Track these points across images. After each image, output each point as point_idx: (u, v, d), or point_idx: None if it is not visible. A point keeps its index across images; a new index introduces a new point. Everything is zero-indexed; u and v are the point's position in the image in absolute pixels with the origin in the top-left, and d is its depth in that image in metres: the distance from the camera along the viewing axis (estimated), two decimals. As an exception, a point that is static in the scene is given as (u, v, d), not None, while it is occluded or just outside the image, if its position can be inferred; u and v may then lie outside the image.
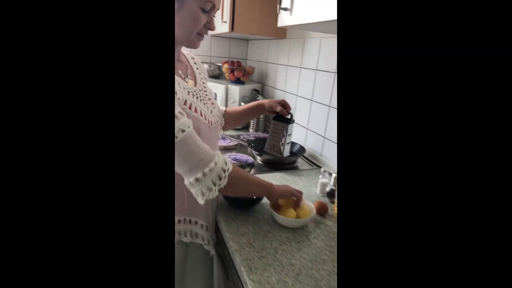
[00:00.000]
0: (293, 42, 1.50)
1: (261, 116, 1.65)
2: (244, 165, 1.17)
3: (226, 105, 1.66)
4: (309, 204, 0.83)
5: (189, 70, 0.78)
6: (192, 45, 0.69)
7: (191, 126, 0.60)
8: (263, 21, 1.44)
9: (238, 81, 1.74)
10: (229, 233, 0.74)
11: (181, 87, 0.68)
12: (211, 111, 0.77)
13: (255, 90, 1.70)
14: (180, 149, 0.58)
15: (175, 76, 0.68)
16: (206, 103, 0.76)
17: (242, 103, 1.63)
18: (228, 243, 0.72)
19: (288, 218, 0.76)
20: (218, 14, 1.62)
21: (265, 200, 0.91)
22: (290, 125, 0.95)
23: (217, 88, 1.64)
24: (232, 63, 1.74)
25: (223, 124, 0.96)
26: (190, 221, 0.75)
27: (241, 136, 1.53)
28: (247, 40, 2.08)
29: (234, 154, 1.25)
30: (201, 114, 0.70)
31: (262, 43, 1.86)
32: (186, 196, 0.73)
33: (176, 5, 0.62)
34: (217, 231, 0.85)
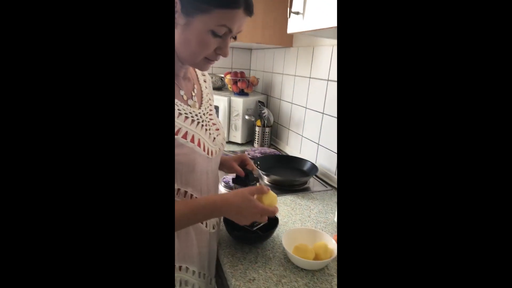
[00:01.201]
0: (301, 51, 1.39)
1: (267, 129, 1.53)
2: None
3: (229, 119, 1.55)
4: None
5: (195, 90, 0.67)
6: (199, 67, 0.58)
7: None
8: (267, 29, 1.34)
9: (241, 93, 1.63)
10: (236, 280, 0.61)
11: (176, 112, 0.57)
12: (214, 138, 0.66)
13: (259, 102, 1.59)
14: None
15: (175, 99, 0.58)
16: (209, 129, 0.65)
17: (246, 116, 1.51)
18: (235, 294, 0.59)
19: (306, 259, 0.63)
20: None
21: (276, 234, 0.78)
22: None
23: (219, 100, 1.53)
24: (235, 73, 1.63)
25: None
26: (180, 268, 0.63)
27: (246, 152, 1.41)
28: (251, 49, 1.99)
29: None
30: (199, 144, 0.60)
31: (267, 52, 1.75)
32: (177, 240, 0.61)
33: (182, 21, 0.51)
34: (221, 275, 0.72)
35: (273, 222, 0.75)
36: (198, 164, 0.60)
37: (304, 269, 0.65)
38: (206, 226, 0.67)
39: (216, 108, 1.55)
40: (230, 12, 0.50)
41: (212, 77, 1.74)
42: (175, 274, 0.63)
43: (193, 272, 0.65)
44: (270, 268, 0.65)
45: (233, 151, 1.42)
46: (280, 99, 1.61)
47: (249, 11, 0.53)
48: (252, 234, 0.72)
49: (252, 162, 0.79)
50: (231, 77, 1.62)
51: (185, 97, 0.62)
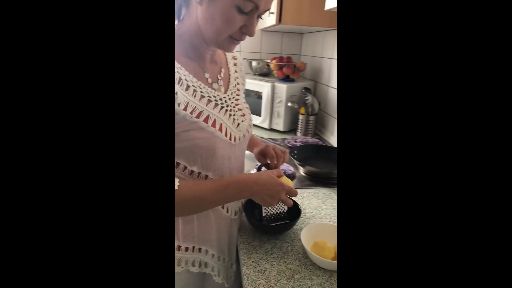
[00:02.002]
0: (351, 32, 1.26)
1: (311, 117, 1.46)
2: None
3: (272, 106, 1.52)
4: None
5: (222, 74, 0.65)
6: (223, 48, 0.57)
7: None
8: (315, 10, 1.25)
9: (287, 79, 1.57)
10: (246, 268, 0.60)
11: (198, 95, 0.56)
12: (238, 124, 0.64)
13: (305, 88, 1.51)
14: None
15: (197, 81, 0.57)
16: (234, 114, 0.64)
17: (289, 104, 1.46)
18: (243, 281, 0.58)
19: (322, 257, 0.59)
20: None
21: (299, 226, 0.74)
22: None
23: (262, 86, 1.51)
24: (281, 58, 1.58)
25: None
26: (200, 250, 0.65)
27: (286, 141, 1.37)
28: (301, 33, 1.89)
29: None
30: (220, 129, 0.59)
31: (317, 36, 1.65)
32: (196, 223, 0.63)
33: None
34: (238, 260, 0.72)
35: (295, 214, 0.71)
36: (219, 149, 0.59)
37: (322, 268, 0.60)
38: (227, 212, 0.67)
39: (259, 94, 1.53)
40: None
41: (258, 63, 1.72)
42: (196, 256, 0.64)
43: (212, 255, 0.67)
44: (285, 262, 0.62)
45: (273, 139, 1.39)
46: (328, 86, 1.51)
47: None
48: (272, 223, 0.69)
49: (274, 155, 0.76)
50: (276, 62, 1.57)
51: (209, 80, 0.61)
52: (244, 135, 0.66)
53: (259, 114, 1.56)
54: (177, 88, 0.52)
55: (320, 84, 1.61)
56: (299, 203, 0.75)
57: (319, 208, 0.84)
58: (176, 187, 0.51)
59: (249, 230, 0.72)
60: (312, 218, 0.79)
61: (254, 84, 1.55)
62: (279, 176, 0.61)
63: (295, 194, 0.61)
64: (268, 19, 1.34)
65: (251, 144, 0.83)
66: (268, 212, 0.69)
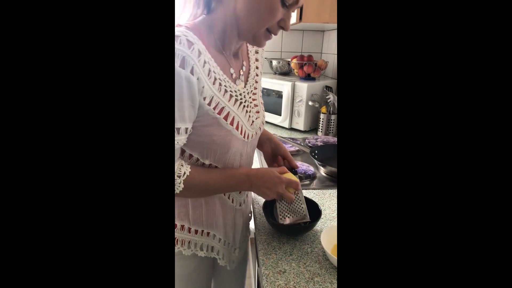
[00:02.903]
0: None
1: (333, 116, 1.43)
2: (302, 176, 1.00)
3: (292, 105, 1.50)
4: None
5: (244, 68, 0.65)
6: (257, 41, 0.57)
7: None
8: (336, 7, 1.22)
9: (308, 78, 1.55)
10: (265, 268, 0.60)
11: (223, 90, 0.56)
12: (252, 121, 0.65)
13: (326, 87, 1.48)
14: None
15: (223, 74, 0.57)
16: (250, 111, 0.64)
17: (310, 102, 1.44)
18: (262, 282, 0.57)
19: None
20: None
21: (319, 227, 0.72)
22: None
23: (282, 85, 1.50)
24: (301, 57, 1.56)
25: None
26: (208, 234, 0.68)
27: (306, 140, 1.35)
28: (323, 31, 1.86)
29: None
30: (237, 127, 0.60)
31: (339, 33, 1.61)
32: (204, 207, 0.65)
33: None
34: (257, 261, 0.72)
35: (315, 214, 0.70)
36: (233, 147, 0.60)
37: (343, 271, 0.59)
38: (232, 202, 0.69)
39: (280, 93, 1.52)
40: None
41: (279, 62, 1.71)
42: (204, 239, 0.67)
43: (219, 239, 0.70)
44: (305, 263, 0.61)
45: (293, 139, 1.38)
46: (350, 84, 1.47)
47: None
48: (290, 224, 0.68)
49: (292, 158, 0.76)
50: (297, 61, 1.55)
51: (234, 76, 0.61)
52: (256, 132, 0.67)
53: (279, 114, 1.55)
54: (205, 80, 0.52)
55: (342, 82, 1.57)
56: (319, 204, 0.73)
57: (340, 210, 0.82)
58: (188, 173, 0.56)
59: (268, 231, 0.72)
60: (332, 220, 0.77)
61: (275, 83, 1.54)
62: (282, 172, 0.65)
63: (295, 187, 0.65)
64: (289, 18, 1.32)
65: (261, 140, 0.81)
66: (285, 211, 0.68)
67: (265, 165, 0.85)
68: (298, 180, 0.67)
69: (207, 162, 0.60)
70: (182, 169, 0.56)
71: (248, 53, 0.69)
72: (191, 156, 0.59)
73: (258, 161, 1.14)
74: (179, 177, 0.55)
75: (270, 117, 1.61)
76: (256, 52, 0.72)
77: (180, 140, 0.53)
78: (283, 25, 0.54)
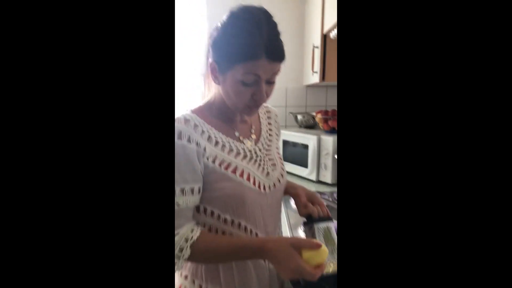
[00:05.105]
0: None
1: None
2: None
3: (318, 158, 1.51)
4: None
5: (253, 129, 0.72)
6: (245, 113, 0.65)
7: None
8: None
9: (333, 131, 1.58)
10: None
11: (227, 149, 0.63)
12: (268, 173, 0.68)
13: (352, 140, 1.49)
14: None
15: (227, 137, 0.64)
16: (263, 164, 0.68)
17: (336, 156, 1.44)
18: None
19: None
20: (308, 64, 1.58)
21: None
22: (333, 224, 0.66)
23: (308, 139, 1.54)
24: (326, 112, 1.61)
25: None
26: None
27: (334, 194, 1.33)
28: (346, 86, 1.94)
29: (323, 222, 0.78)
30: (248, 178, 0.63)
31: (362, 88, 1.67)
32: (236, 270, 0.63)
33: (221, 78, 0.61)
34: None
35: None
36: (249, 198, 0.62)
37: None
38: (264, 261, 0.67)
39: (306, 146, 1.55)
40: (252, 63, 0.55)
41: (304, 116, 1.78)
42: None
43: None
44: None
45: (321, 193, 1.36)
46: (376, 137, 1.47)
47: (273, 57, 0.56)
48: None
49: (321, 200, 0.74)
50: (321, 115, 1.61)
51: (241, 138, 0.68)
52: (274, 184, 0.69)
53: (305, 166, 1.56)
54: (206, 143, 0.60)
55: (368, 135, 1.58)
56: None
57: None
58: (195, 239, 0.56)
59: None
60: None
61: (300, 136, 1.59)
62: (311, 248, 0.52)
63: (313, 278, 0.50)
64: (312, 78, 1.42)
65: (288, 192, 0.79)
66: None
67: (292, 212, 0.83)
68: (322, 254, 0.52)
69: (227, 217, 0.62)
70: (191, 233, 0.58)
71: (259, 117, 0.76)
72: (212, 213, 0.62)
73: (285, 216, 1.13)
74: (187, 241, 0.57)
75: (297, 169, 1.62)
76: (269, 117, 0.78)
77: (188, 200, 0.58)
78: (256, 98, 0.59)
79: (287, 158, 1.65)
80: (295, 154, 1.62)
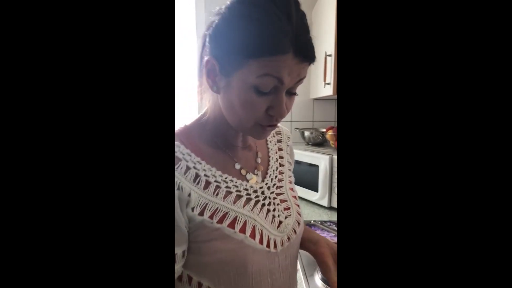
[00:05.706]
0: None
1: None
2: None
3: (330, 181, 1.32)
4: None
5: (259, 158, 0.53)
6: (254, 135, 0.46)
7: None
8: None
9: (346, 150, 1.40)
10: None
11: (222, 191, 0.44)
12: (280, 222, 0.48)
13: (369, 160, 1.31)
14: None
15: (222, 174, 0.46)
16: (274, 209, 0.49)
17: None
18: None
19: None
20: (316, 74, 1.41)
21: None
22: None
23: (319, 159, 1.35)
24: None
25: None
26: None
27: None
28: (356, 99, 1.77)
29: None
30: (253, 234, 0.44)
31: (376, 102, 1.50)
32: None
33: (223, 83, 0.42)
34: None
35: None
36: (253, 263, 0.43)
37: None
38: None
39: (316, 167, 1.36)
40: (274, 60, 0.37)
41: (312, 132, 1.60)
42: None
43: None
44: None
45: (334, 222, 1.16)
46: (396, 157, 1.29)
47: (304, 54, 0.38)
48: None
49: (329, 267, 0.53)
50: (333, 132, 1.43)
51: (243, 172, 0.48)
52: (289, 237, 0.49)
53: (315, 190, 1.37)
54: (191, 186, 0.42)
55: (386, 154, 1.40)
56: None
57: None
58: None
59: None
60: None
61: (309, 156, 1.40)
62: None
63: None
64: (324, 90, 1.26)
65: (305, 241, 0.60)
66: None
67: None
68: None
69: None
70: None
71: (267, 142, 0.57)
72: (200, 284, 0.43)
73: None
74: None
75: (306, 194, 1.43)
76: (279, 140, 0.59)
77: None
78: (273, 113, 0.42)
79: (293, 179, 1.46)
80: (303, 175, 1.43)
